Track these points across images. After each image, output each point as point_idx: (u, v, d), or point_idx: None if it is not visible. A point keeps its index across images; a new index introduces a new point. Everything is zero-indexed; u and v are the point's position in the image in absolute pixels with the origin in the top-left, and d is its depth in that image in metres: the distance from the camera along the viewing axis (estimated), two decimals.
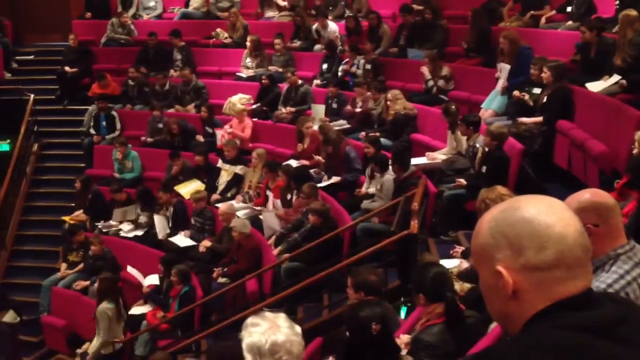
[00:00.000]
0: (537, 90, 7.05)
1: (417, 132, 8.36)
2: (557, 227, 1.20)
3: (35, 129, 11.69)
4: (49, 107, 12.10)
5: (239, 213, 8.19)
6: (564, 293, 1.19)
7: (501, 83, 7.77)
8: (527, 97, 7.00)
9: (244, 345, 2.32)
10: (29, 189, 11.25)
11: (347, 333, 3.27)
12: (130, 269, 8.24)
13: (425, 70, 8.84)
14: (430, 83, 8.88)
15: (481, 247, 1.26)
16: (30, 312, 9.38)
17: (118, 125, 11.10)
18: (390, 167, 7.10)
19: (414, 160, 7.46)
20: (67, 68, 11.89)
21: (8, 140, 11.22)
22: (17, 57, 13.00)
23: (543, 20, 8.70)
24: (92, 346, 7.19)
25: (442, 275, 3.60)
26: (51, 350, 9.04)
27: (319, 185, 7.80)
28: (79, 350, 7.63)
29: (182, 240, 8.48)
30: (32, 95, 11.66)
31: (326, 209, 6.96)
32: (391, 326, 3.53)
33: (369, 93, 9.10)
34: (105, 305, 6.99)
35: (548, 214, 1.21)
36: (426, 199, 6.36)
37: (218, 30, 12.01)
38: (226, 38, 11.85)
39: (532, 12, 8.91)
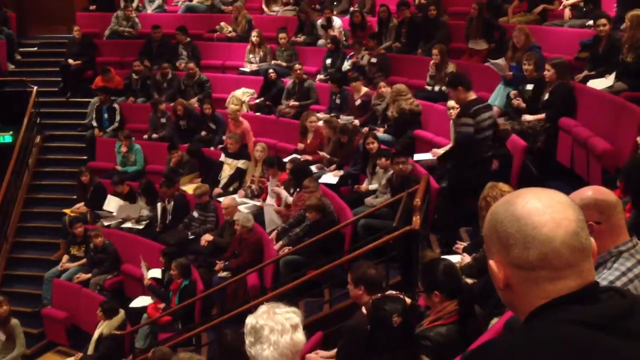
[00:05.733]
0: (529, 87, 7.05)
1: (420, 128, 8.35)
2: (545, 228, 1.18)
3: (38, 121, 11.69)
4: (52, 99, 12.10)
5: (241, 207, 8.20)
6: (557, 291, 1.18)
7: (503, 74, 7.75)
8: (519, 101, 6.99)
9: None
10: (31, 181, 11.25)
11: (369, 327, 3.33)
12: (142, 261, 8.22)
13: (431, 66, 8.85)
14: (434, 80, 8.88)
15: (484, 238, 1.29)
16: (31, 304, 9.39)
17: (117, 117, 11.09)
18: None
19: (417, 156, 7.45)
20: (70, 60, 11.90)
21: (11, 132, 11.21)
22: (21, 49, 13.03)
23: (567, 3, 8.58)
24: (10, 357, 7.22)
25: (452, 268, 3.59)
26: (51, 342, 9.05)
27: (320, 181, 7.80)
28: None
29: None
30: (35, 87, 11.65)
31: (322, 204, 6.94)
32: (412, 322, 3.55)
33: (365, 89, 9.11)
34: (16, 320, 7.15)
35: (540, 213, 1.19)
36: (428, 195, 6.35)
37: (222, 24, 12.00)
38: (230, 32, 11.84)
39: (544, 5, 8.86)
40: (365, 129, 8.50)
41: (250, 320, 2.42)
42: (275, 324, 2.37)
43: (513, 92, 7.21)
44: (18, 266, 10.29)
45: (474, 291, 3.69)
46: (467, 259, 4.40)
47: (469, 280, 4.12)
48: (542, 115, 6.67)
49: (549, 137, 6.59)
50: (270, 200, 7.97)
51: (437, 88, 8.85)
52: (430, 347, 3.36)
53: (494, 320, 3.54)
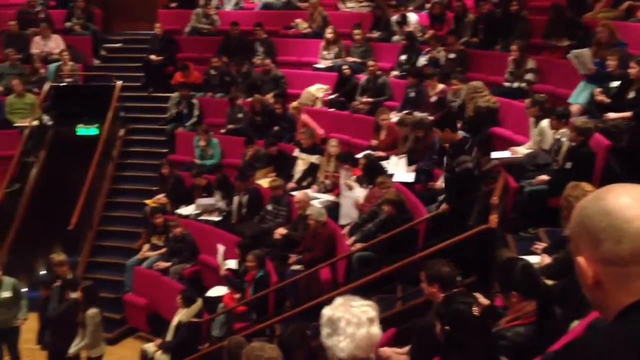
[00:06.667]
0: (614, 84, 6.79)
1: (498, 125, 8.20)
2: (638, 221, 1.16)
3: (121, 115, 12.15)
4: (134, 94, 12.53)
5: (314, 202, 8.29)
6: None
7: (585, 69, 7.48)
8: (603, 97, 6.75)
9: None
10: (114, 172, 11.71)
11: (446, 327, 3.28)
12: (219, 248, 8.41)
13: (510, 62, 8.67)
14: (513, 76, 8.70)
15: (571, 235, 1.27)
16: (114, 291, 9.81)
17: (195, 112, 11.39)
18: None
19: (495, 154, 7.33)
20: (152, 56, 12.30)
21: (96, 125, 11.70)
22: (106, 45, 13.55)
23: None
24: (74, 346, 7.21)
25: (530, 268, 3.53)
26: (132, 327, 9.43)
27: (396, 179, 7.79)
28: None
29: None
30: (119, 82, 12.11)
31: (400, 199, 6.95)
32: (488, 320, 3.50)
33: (441, 85, 9.01)
34: (94, 311, 7.09)
35: (631, 208, 1.17)
36: (506, 194, 6.24)
37: (297, 20, 12.13)
38: (305, 28, 11.96)
39: (630, 2, 8.53)
40: None
41: (327, 311, 2.44)
42: (352, 317, 2.38)
43: (597, 90, 6.97)
44: (102, 254, 10.71)
45: (553, 292, 3.62)
46: (547, 259, 4.31)
47: (549, 282, 4.04)
48: (628, 114, 6.44)
49: (635, 136, 6.35)
50: (347, 194, 8.01)
51: (516, 85, 8.68)
52: (508, 347, 3.32)
53: (575, 323, 3.46)
